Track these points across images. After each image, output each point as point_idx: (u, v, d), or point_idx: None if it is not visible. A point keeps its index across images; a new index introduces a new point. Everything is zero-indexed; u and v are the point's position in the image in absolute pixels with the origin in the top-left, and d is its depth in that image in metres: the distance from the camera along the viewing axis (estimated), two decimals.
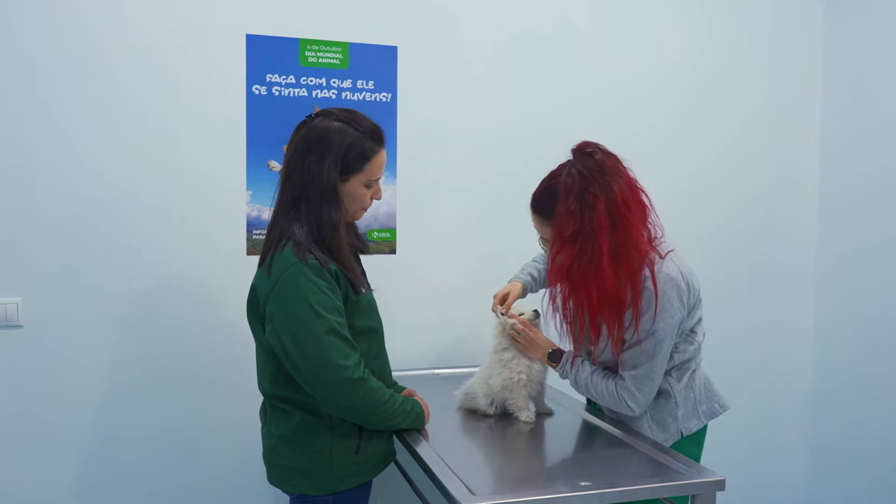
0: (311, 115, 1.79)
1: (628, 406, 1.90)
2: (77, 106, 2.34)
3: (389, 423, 1.79)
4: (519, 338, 2.04)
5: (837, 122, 3.10)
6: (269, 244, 1.76)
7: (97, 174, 2.36)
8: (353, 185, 1.77)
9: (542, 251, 2.06)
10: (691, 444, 1.99)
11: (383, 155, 1.80)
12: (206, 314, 2.48)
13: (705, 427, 2.02)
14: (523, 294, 2.27)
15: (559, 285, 1.86)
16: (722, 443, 3.07)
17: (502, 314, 2.10)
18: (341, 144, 1.72)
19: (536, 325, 2.08)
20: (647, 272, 1.82)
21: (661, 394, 1.95)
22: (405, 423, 1.83)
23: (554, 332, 1.98)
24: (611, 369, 1.98)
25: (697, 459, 1.98)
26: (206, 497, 2.51)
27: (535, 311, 2.08)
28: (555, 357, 2.03)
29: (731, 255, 3.09)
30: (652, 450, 1.80)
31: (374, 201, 1.87)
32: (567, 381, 2.05)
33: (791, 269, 3.19)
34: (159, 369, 2.45)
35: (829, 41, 3.13)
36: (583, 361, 2.01)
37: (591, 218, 1.77)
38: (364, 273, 1.93)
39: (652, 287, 1.81)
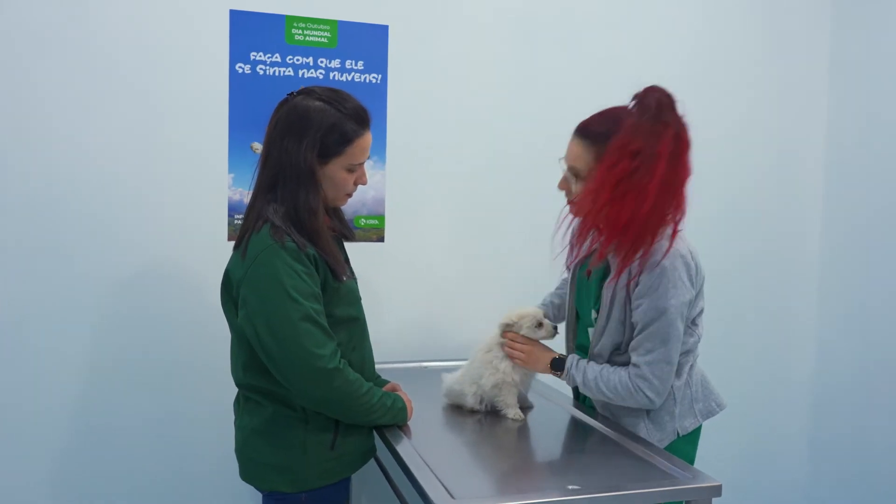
0: (292, 92, 1.71)
1: (646, 396, 1.78)
2: (52, 81, 2.23)
3: (367, 417, 1.71)
4: (516, 354, 1.95)
5: (844, 112, 3.00)
6: (246, 227, 1.69)
7: (72, 155, 2.26)
8: (334, 170, 1.69)
9: (562, 189, 1.93)
10: (686, 444, 1.90)
11: (368, 138, 1.71)
12: (185, 301, 2.38)
13: (700, 427, 1.93)
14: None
15: (591, 202, 1.77)
16: (718, 442, 2.99)
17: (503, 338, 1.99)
18: (321, 126, 1.64)
19: (540, 329, 1.97)
20: (664, 244, 1.76)
21: None
22: (385, 418, 1.74)
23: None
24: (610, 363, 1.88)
25: (692, 460, 1.89)
26: (186, 490, 2.42)
27: (540, 321, 1.97)
28: (557, 365, 1.93)
29: (733, 248, 2.99)
30: (645, 451, 1.70)
31: (361, 186, 1.79)
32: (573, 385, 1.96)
33: (793, 262, 3.10)
34: (135, 358, 2.36)
35: (837, 28, 3.02)
36: (588, 362, 1.91)
37: (657, 142, 1.75)
38: (348, 260, 1.85)
39: (662, 260, 1.75)
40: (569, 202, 1.91)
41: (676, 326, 1.77)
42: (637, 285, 1.77)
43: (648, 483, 1.52)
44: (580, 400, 2.11)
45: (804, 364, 3.14)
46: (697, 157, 2.88)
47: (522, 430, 1.89)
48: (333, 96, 1.68)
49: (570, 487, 1.47)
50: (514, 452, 1.81)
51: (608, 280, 1.84)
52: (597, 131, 1.83)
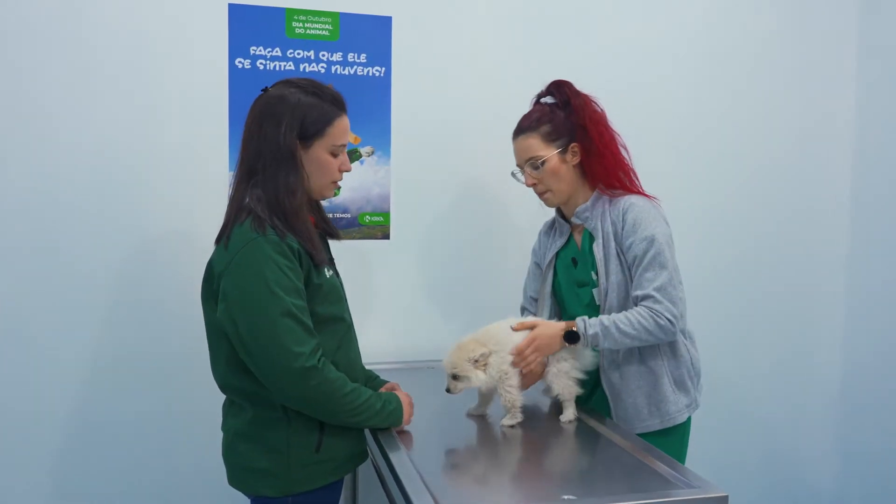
0: (266, 87, 1.72)
1: (668, 319, 1.82)
2: (48, 76, 2.21)
3: (353, 418, 1.64)
4: (531, 361, 1.85)
5: (873, 98, 2.87)
6: (228, 219, 1.66)
7: (68, 153, 2.23)
8: (318, 151, 1.68)
9: (521, 180, 2.07)
10: (684, 437, 2.01)
11: (346, 121, 1.72)
12: (184, 300, 2.31)
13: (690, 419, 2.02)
14: None
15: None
16: (738, 446, 2.89)
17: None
18: (298, 107, 1.64)
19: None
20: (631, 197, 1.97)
21: (677, 353, 1.96)
22: (374, 420, 1.68)
23: None
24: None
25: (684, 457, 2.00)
26: (183, 491, 2.39)
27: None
28: (571, 337, 1.86)
29: (759, 242, 2.88)
30: (647, 457, 1.62)
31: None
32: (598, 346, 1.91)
33: (819, 259, 2.97)
34: (133, 357, 2.33)
35: (864, 9, 2.88)
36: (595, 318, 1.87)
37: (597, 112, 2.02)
38: (332, 260, 1.80)
39: (629, 199, 1.95)
40: (542, 194, 2.04)
41: (668, 253, 1.87)
42: (623, 227, 1.91)
43: (649, 493, 1.44)
44: (592, 403, 2.04)
45: (831, 364, 3.01)
46: (720, 143, 2.79)
47: (524, 432, 1.81)
48: (309, 83, 1.70)
49: (565, 497, 1.40)
50: (513, 458, 1.74)
51: (595, 242, 1.97)
52: (529, 122, 2.01)
